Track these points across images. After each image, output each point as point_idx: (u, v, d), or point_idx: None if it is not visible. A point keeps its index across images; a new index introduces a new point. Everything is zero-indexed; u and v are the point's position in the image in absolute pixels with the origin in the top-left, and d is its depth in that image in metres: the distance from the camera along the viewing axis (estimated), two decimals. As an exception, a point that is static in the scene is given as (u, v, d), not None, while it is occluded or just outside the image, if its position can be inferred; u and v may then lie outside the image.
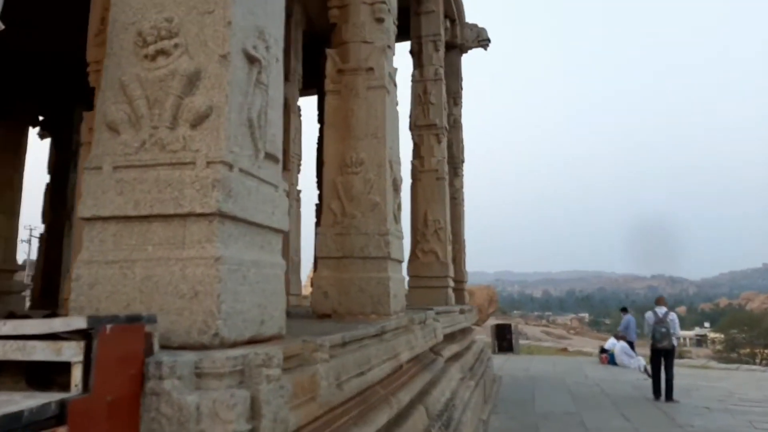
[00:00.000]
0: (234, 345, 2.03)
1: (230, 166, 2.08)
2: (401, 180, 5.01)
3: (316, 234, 4.67)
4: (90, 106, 3.20)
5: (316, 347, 2.39)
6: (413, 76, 8.48)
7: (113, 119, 2.15)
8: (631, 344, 14.37)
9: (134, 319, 1.70)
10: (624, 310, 16.40)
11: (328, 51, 4.79)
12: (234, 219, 2.10)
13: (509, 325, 18.43)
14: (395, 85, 5.05)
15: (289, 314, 4.85)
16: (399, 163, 4.99)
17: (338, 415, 2.58)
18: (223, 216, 2.03)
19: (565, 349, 21.56)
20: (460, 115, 10.68)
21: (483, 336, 17.91)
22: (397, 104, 5.09)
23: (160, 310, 1.98)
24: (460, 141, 10.59)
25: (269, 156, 2.40)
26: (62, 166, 12.16)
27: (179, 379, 1.69)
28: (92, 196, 2.11)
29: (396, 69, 5.04)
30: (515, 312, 72.68)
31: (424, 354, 5.36)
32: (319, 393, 2.29)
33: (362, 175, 4.62)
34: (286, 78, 5.56)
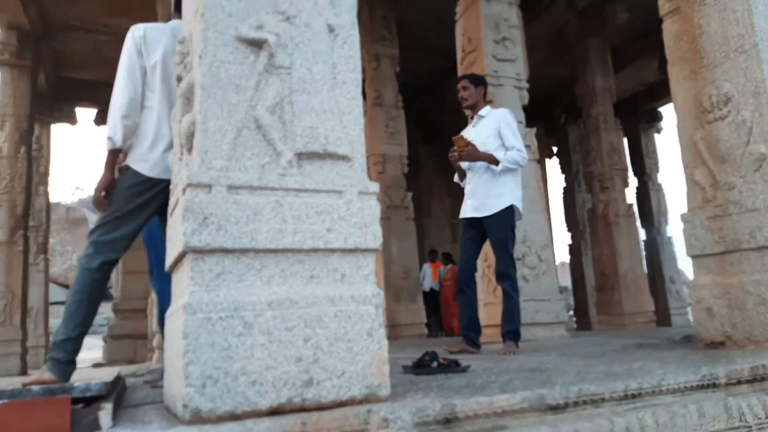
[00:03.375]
0: (227, 418, 1.53)
1: (208, 187, 1.65)
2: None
3: (683, 222, 3.12)
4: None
5: (381, 423, 1.54)
6: None
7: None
8: None
9: (55, 392, 1.52)
10: None
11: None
12: (223, 251, 1.64)
13: None
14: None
15: (645, 345, 3.29)
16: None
17: None
18: (195, 252, 1.61)
19: None
20: None
21: None
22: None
23: (173, 372, 1.71)
24: None
25: (311, 155, 1.79)
26: (569, 187, 12.54)
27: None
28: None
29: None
30: None
31: None
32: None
33: (731, 118, 2.86)
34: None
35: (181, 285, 1.73)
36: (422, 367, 2.50)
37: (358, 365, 1.70)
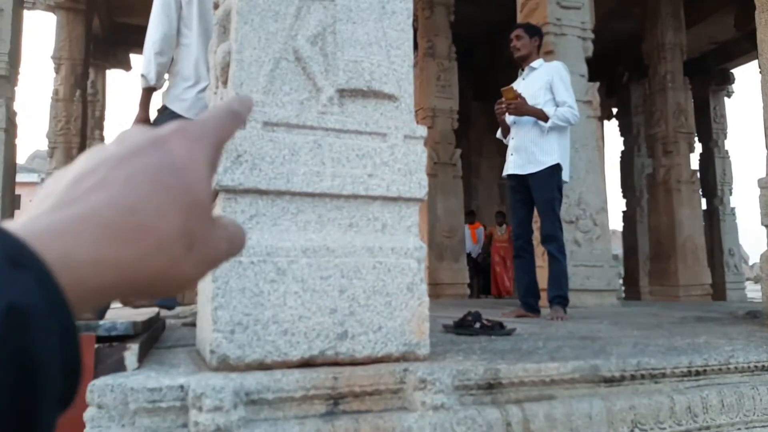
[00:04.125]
0: (256, 367, 1.45)
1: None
2: None
3: None
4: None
5: (418, 384, 1.43)
6: None
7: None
8: None
9: (79, 329, 1.46)
10: None
11: None
12: (257, 192, 1.52)
13: None
14: None
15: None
16: None
17: None
18: (227, 191, 1.51)
19: None
20: None
21: None
22: None
23: (203, 317, 1.64)
24: None
25: (353, 92, 1.63)
26: (627, 151, 11.98)
27: (99, 408, 1.33)
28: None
29: None
30: None
31: None
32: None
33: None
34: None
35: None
36: (464, 327, 2.37)
37: (397, 321, 1.59)
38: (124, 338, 1.55)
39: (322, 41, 1.63)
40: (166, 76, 2.32)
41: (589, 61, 4.89)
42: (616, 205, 14.56)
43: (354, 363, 1.52)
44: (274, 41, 1.59)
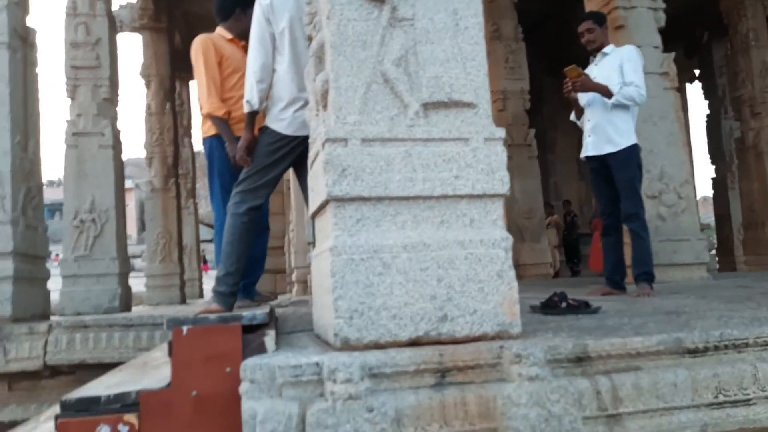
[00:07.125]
0: (372, 347, 1.71)
1: (344, 141, 1.78)
2: None
3: None
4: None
5: (514, 358, 1.63)
6: None
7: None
8: None
9: (228, 320, 1.78)
10: None
11: None
12: (361, 199, 1.77)
13: None
14: None
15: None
16: None
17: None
18: (337, 200, 1.76)
19: None
20: None
21: None
22: None
23: (323, 306, 1.92)
24: None
25: (436, 105, 1.84)
26: (713, 114, 11.40)
27: (252, 383, 1.63)
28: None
29: None
30: None
31: None
32: (506, 424, 1.56)
33: None
34: None
35: (326, 230, 1.90)
36: (551, 307, 2.54)
37: (490, 304, 1.79)
38: (261, 326, 1.85)
39: (405, 63, 1.85)
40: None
41: (666, 23, 4.80)
42: (705, 171, 13.90)
43: (455, 342, 1.75)
44: (365, 67, 1.83)
